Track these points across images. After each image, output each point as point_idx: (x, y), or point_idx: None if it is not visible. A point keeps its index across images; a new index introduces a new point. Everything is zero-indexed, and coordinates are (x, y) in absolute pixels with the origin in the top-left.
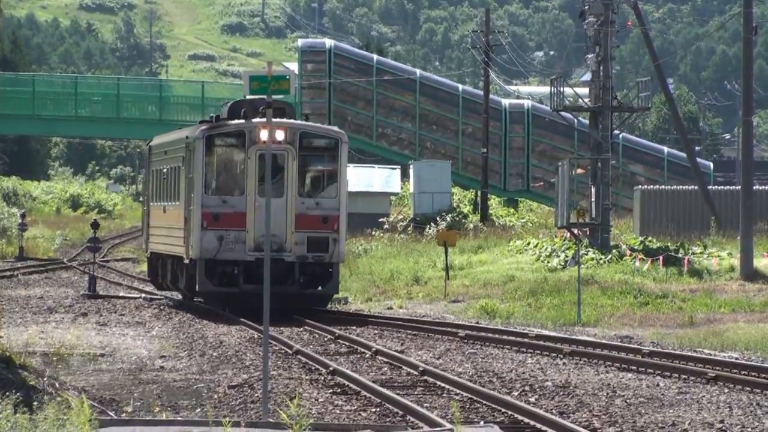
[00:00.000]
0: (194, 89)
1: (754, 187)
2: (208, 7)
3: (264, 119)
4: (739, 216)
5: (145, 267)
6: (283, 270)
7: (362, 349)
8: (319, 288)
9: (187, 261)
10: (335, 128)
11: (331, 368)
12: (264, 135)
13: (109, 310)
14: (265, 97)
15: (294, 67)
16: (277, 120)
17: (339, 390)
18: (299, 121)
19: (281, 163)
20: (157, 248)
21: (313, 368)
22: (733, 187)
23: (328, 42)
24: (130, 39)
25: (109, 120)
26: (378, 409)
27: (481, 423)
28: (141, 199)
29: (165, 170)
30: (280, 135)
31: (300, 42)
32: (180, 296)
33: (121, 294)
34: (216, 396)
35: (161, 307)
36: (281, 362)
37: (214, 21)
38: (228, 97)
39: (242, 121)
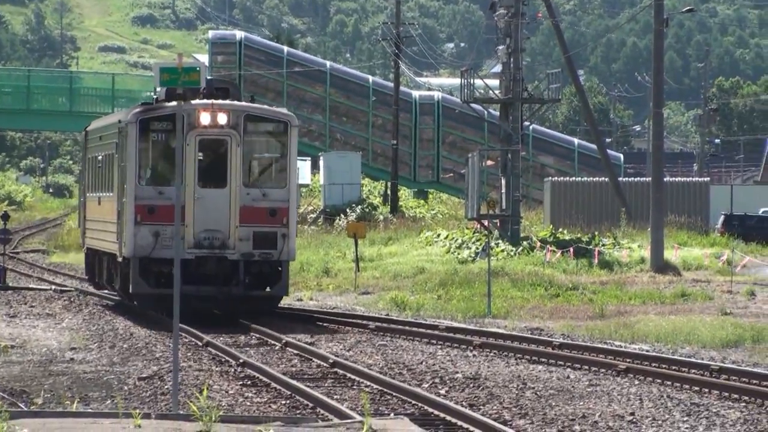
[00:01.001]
0: (104, 81)
1: (665, 179)
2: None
3: (205, 101)
4: (650, 208)
5: (55, 259)
6: (227, 269)
7: (272, 341)
8: (267, 289)
9: (120, 259)
10: (284, 110)
11: (240, 360)
12: (204, 118)
13: (19, 302)
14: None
15: (204, 58)
16: (219, 102)
17: (249, 382)
18: (243, 103)
19: (224, 150)
20: (93, 244)
21: (223, 360)
22: (644, 179)
23: (239, 34)
24: (41, 31)
25: (20, 111)
26: (288, 401)
27: (392, 415)
28: (79, 188)
29: (100, 158)
30: (222, 118)
31: (210, 34)
32: (118, 297)
33: (32, 285)
34: (126, 388)
35: (72, 299)
36: (191, 354)
37: (125, 13)
38: (138, 89)
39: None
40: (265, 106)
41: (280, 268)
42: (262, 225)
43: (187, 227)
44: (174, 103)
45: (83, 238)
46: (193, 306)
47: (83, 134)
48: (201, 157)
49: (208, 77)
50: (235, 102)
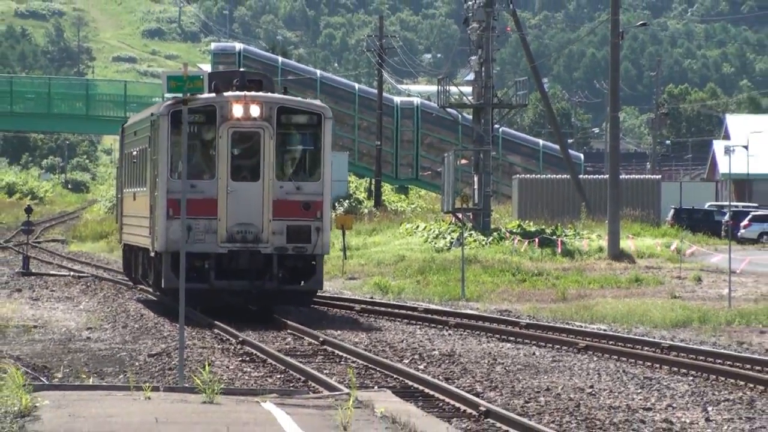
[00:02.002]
0: (117, 88)
1: (620, 177)
2: (130, 14)
3: (237, 93)
4: (607, 202)
5: (73, 248)
6: (260, 263)
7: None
8: (301, 283)
9: (153, 254)
10: (317, 102)
11: (240, 339)
12: (237, 111)
13: (41, 287)
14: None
15: (207, 68)
16: (252, 94)
17: (247, 358)
18: (277, 95)
19: (257, 142)
20: (128, 239)
21: (224, 339)
22: (602, 176)
23: (238, 45)
24: (60, 43)
25: (41, 115)
26: (282, 376)
27: (375, 388)
28: (116, 185)
29: (134, 153)
30: (255, 110)
31: (212, 45)
32: (154, 294)
33: (52, 272)
34: (137, 364)
35: (88, 284)
36: (196, 333)
37: (136, 27)
38: (148, 95)
39: (213, 95)
40: (299, 98)
41: (314, 262)
42: (296, 218)
43: (219, 221)
44: (207, 95)
45: (120, 234)
46: (226, 301)
47: (120, 131)
48: (234, 150)
49: (241, 69)
50: (269, 94)
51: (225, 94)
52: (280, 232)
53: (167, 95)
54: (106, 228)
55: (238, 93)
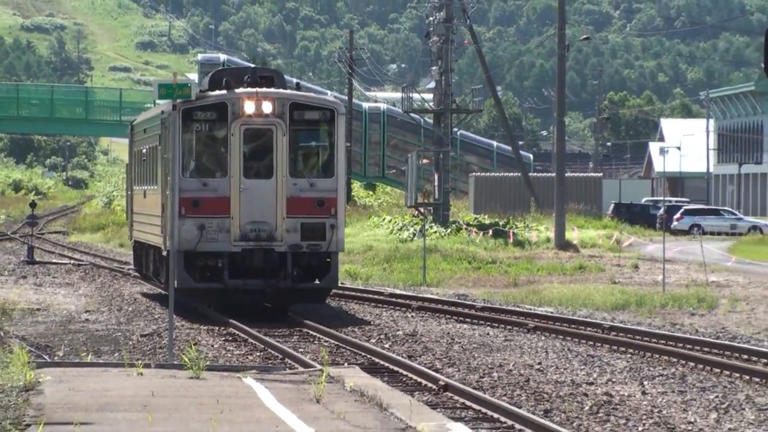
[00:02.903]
0: (113, 95)
1: (566, 175)
2: (125, 28)
3: (249, 89)
4: (554, 198)
5: (73, 238)
6: (274, 262)
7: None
8: (316, 281)
9: (165, 253)
10: (330, 98)
11: (225, 321)
12: (249, 107)
13: (44, 273)
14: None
15: (194, 77)
16: (264, 90)
17: (231, 338)
18: (289, 91)
19: (269, 139)
20: (139, 237)
21: (210, 319)
22: (549, 174)
23: (222, 56)
24: (62, 54)
25: (45, 119)
26: (262, 354)
27: (346, 365)
28: (126, 182)
29: (144, 150)
30: (267, 107)
31: (199, 56)
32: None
33: (54, 260)
34: (131, 343)
35: (86, 271)
36: (184, 315)
37: (130, 39)
38: (141, 101)
39: (224, 92)
40: (312, 94)
41: (328, 260)
42: (310, 216)
43: (233, 219)
44: (218, 92)
45: (131, 231)
46: (240, 300)
47: (129, 128)
48: (246, 148)
49: (252, 65)
50: (281, 90)
51: (237, 90)
52: (294, 229)
53: (158, 101)
54: (103, 221)
55: (249, 89)
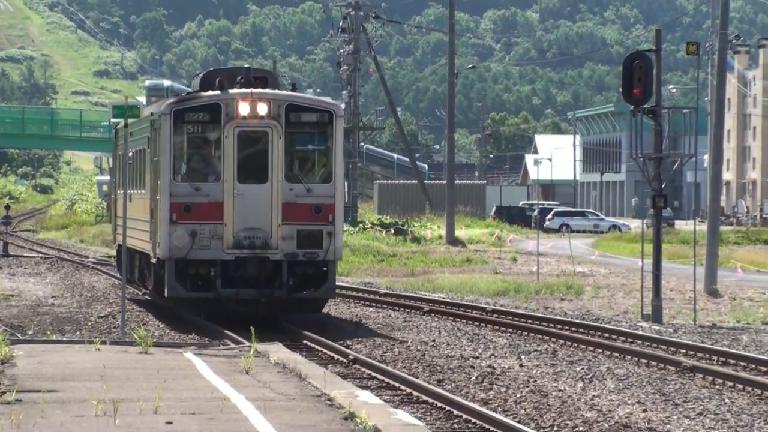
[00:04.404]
0: (75, 115)
1: (455, 182)
2: (84, 58)
3: (243, 90)
4: (445, 201)
5: (41, 236)
6: (269, 270)
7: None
8: (312, 291)
9: (154, 260)
10: (327, 99)
11: (170, 306)
12: (243, 109)
13: (17, 265)
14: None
15: (143, 99)
16: (259, 90)
17: (175, 319)
18: (285, 92)
19: (264, 142)
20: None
21: (157, 305)
22: (441, 181)
23: (167, 82)
24: (32, 80)
25: (17, 135)
26: (200, 332)
27: (270, 342)
28: (109, 185)
29: (131, 153)
30: (262, 108)
31: (147, 82)
32: (149, 297)
33: (25, 254)
34: (90, 323)
35: (52, 263)
36: (136, 300)
37: (89, 68)
38: (98, 120)
39: (217, 92)
40: (309, 95)
41: (325, 269)
42: (307, 223)
43: (226, 226)
44: (211, 92)
45: (114, 234)
46: (233, 310)
47: (113, 132)
48: (240, 151)
49: (246, 65)
50: (276, 91)
51: (230, 91)
52: (289, 237)
53: (113, 120)
54: (66, 221)
55: (244, 90)
